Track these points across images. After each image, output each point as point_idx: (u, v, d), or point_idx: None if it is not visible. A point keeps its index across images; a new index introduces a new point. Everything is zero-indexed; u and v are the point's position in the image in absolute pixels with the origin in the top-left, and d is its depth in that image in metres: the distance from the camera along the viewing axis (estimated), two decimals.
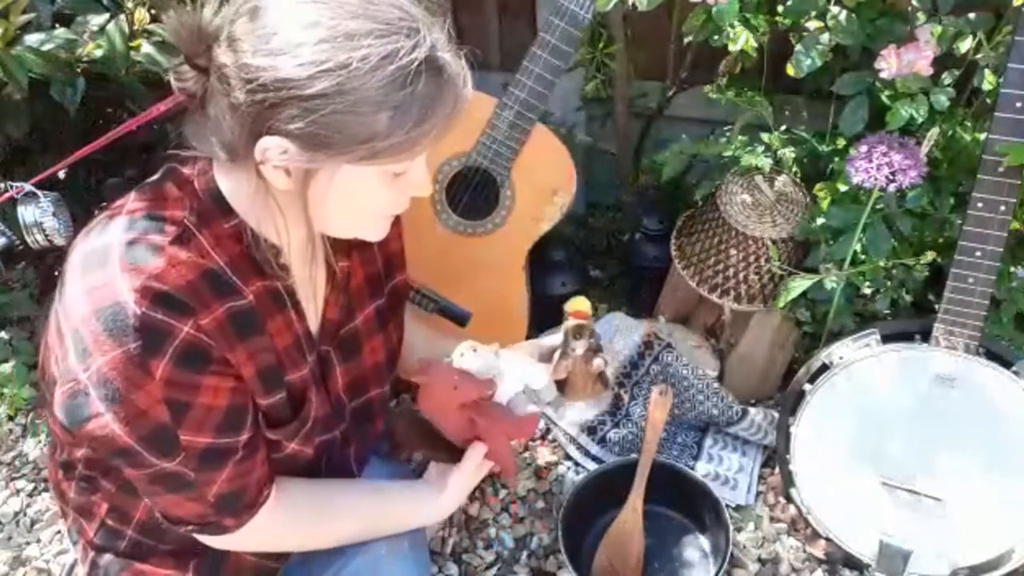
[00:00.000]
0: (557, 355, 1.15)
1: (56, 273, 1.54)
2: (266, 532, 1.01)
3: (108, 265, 0.83)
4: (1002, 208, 1.14)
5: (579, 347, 1.14)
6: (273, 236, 0.92)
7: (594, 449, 1.60)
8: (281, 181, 0.84)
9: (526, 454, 1.62)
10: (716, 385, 1.59)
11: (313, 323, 1.03)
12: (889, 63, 1.28)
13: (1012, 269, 1.40)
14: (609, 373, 1.22)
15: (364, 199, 0.89)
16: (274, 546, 1.07)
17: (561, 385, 1.18)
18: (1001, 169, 1.12)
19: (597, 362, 1.16)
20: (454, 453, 1.14)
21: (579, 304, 1.15)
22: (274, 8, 0.79)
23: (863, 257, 1.42)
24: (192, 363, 0.85)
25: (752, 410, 1.58)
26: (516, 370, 1.13)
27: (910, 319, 1.42)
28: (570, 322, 1.14)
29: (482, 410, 1.10)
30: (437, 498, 1.13)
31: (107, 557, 1.04)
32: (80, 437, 0.91)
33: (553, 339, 1.18)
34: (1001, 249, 1.16)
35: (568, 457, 1.62)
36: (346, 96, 0.77)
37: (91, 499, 1.03)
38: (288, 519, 1.03)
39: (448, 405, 1.09)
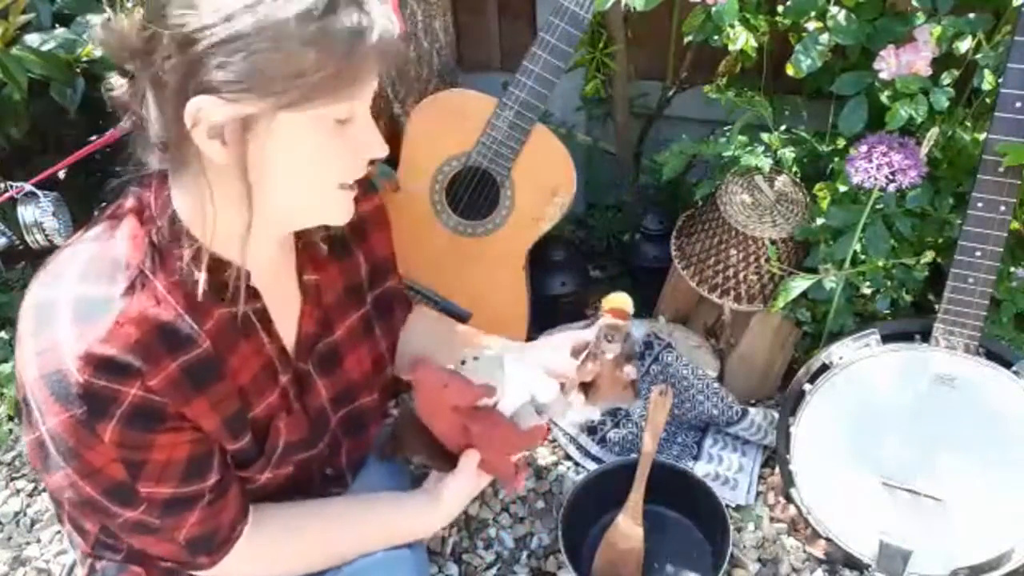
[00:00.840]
0: (584, 354, 1.07)
1: None
2: (244, 566, 0.99)
3: (54, 325, 0.80)
4: (1002, 208, 1.14)
5: (610, 351, 1.06)
6: (236, 256, 0.87)
7: (594, 449, 1.60)
8: (217, 152, 0.79)
9: (525, 454, 1.62)
10: (716, 385, 1.59)
11: (289, 340, 1.00)
12: (889, 63, 1.28)
13: (1012, 269, 1.40)
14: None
15: (311, 158, 0.83)
16: (253, 573, 1.03)
17: (585, 386, 1.11)
18: (1001, 169, 1.12)
19: (628, 370, 1.07)
20: (452, 460, 1.09)
21: (619, 302, 1.06)
22: None
23: (863, 257, 1.42)
24: (143, 423, 0.83)
25: (752, 410, 1.58)
26: (522, 381, 1.07)
27: (910, 319, 1.42)
28: (606, 320, 1.05)
29: (477, 417, 1.04)
30: (429, 511, 1.09)
31: (104, 562, 1.04)
32: (49, 484, 0.90)
33: (569, 334, 1.11)
34: (1001, 249, 1.16)
35: (568, 457, 1.62)
36: (265, 32, 0.74)
37: (83, 515, 1.01)
38: (266, 552, 1.00)
39: (439, 408, 1.04)
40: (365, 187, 1.09)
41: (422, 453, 1.12)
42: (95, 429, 0.81)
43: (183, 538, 0.92)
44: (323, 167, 0.85)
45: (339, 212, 0.90)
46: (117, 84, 0.82)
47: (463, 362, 1.05)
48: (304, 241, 1.01)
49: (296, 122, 0.79)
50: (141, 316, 0.81)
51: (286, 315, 1.00)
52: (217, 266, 0.88)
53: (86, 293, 0.82)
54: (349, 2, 0.77)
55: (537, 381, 1.08)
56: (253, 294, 0.93)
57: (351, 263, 1.09)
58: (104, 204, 1.39)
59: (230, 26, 0.74)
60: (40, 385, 0.81)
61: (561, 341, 1.13)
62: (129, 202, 0.88)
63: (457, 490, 1.09)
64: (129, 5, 1.17)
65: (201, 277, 0.85)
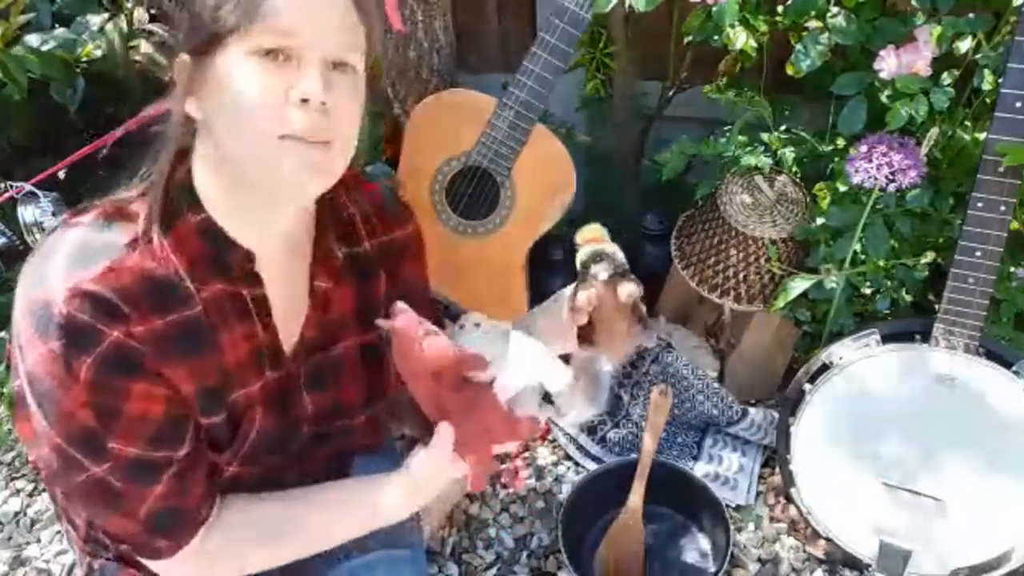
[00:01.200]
0: (573, 288, 0.93)
1: None
2: (204, 563, 0.95)
3: (51, 260, 0.82)
4: (1002, 208, 1.14)
5: (601, 272, 0.91)
6: (247, 238, 0.89)
7: (594, 449, 1.60)
8: (193, 107, 0.84)
9: (526, 454, 1.62)
10: (716, 385, 1.59)
11: (288, 341, 0.98)
12: (888, 63, 1.28)
13: (1012, 269, 1.40)
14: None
15: (242, 95, 0.80)
16: (233, 570, 0.98)
17: (588, 335, 0.95)
18: (1001, 169, 1.12)
19: (627, 288, 0.91)
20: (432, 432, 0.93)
21: (591, 231, 0.96)
22: None
23: (863, 257, 1.42)
24: (119, 368, 0.82)
25: (752, 410, 1.58)
26: (529, 362, 0.91)
27: (910, 319, 1.42)
28: (586, 249, 0.94)
29: (462, 391, 0.89)
30: (403, 482, 0.98)
31: (100, 560, 1.04)
32: (22, 434, 0.89)
33: (563, 294, 0.96)
34: (1001, 249, 1.16)
35: (568, 457, 1.62)
36: None
37: (70, 508, 1.01)
38: (231, 543, 0.96)
39: (416, 369, 0.90)
40: (400, 211, 1.07)
41: (406, 422, 0.99)
42: (71, 366, 0.80)
43: (144, 512, 0.88)
44: (261, 108, 0.81)
45: (289, 166, 0.82)
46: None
47: (461, 326, 0.92)
48: (323, 249, 1.00)
49: (234, 60, 0.80)
50: (137, 267, 0.83)
51: (291, 316, 0.98)
52: (224, 242, 0.88)
53: (89, 240, 0.83)
54: None
55: (549, 366, 0.92)
56: (256, 280, 0.92)
57: (369, 286, 1.05)
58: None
59: None
60: (25, 317, 0.81)
61: (545, 317, 1.03)
62: (146, 168, 0.90)
63: (428, 464, 0.96)
64: (128, 5, 1.17)
65: (213, 241, 0.87)
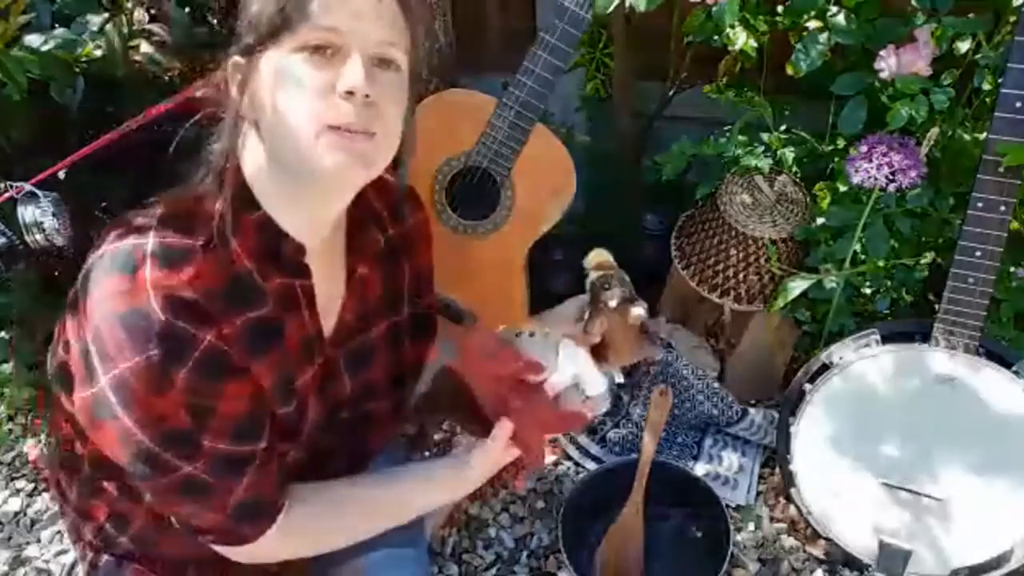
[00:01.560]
0: (586, 316, 1.05)
1: (56, 273, 1.54)
2: (285, 540, 0.99)
3: (135, 268, 0.83)
4: (1002, 208, 1.14)
5: (612, 298, 1.02)
6: (295, 230, 0.92)
7: (594, 449, 1.60)
8: (243, 103, 0.87)
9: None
10: (716, 385, 1.59)
11: (327, 327, 1.02)
12: (889, 63, 1.28)
13: (1012, 269, 1.40)
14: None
15: (295, 89, 0.84)
16: (293, 553, 1.04)
17: (600, 352, 1.07)
18: (1001, 169, 1.12)
19: (636, 312, 1.03)
20: (483, 425, 1.07)
21: (599, 257, 1.07)
22: None
23: (863, 257, 1.42)
24: (214, 371, 0.85)
25: (752, 410, 1.58)
26: (571, 368, 1.05)
27: (910, 319, 1.42)
28: (594, 275, 1.05)
29: (521, 390, 1.03)
30: (459, 477, 1.09)
31: (106, 557, 1.04)
32: (99, 439, 0.90)
33: (576, 301, 1.09)
34: (1001, 249, 1.16)
35: (568, 457, 1.62)
36: None
37: (91, 502, 1.02)
38: (305, 524, 1.01)
39: (484, 372, 1.04)
40: (414, 200, 1.15)
41: (456, 414, 1.12)
42: (168, 372, 0.82)
43: (233, 503, 0.92)
44: (306, 99, 0.84)
45: (335, 157, 0.85)
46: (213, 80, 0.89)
47: (518, 334, 1.05)
48: (362, 237, 1.03)
49: (282, 59, 0.84)
50: (218, 269, 0.85)
51: (330, 303, 1.02)
52: (277, 235, 0.91)
53: (170, 242, 0.85)
54: None
55: (588, 373, 1.06)
56: (306, 271, 0.96)
57: (395, 270, 1.11)
58: (104, 203, 1.39)
59: None
60: (114, 325, 0.81)
61: (556, 326, 1.12)
62: (199, 171, 0.91)
63: (488, 457, 1.08)
64: (128, 5, 1.17)
65: (271, 236, 0.90)
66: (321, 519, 1.03)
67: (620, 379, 1.51)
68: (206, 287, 0.84)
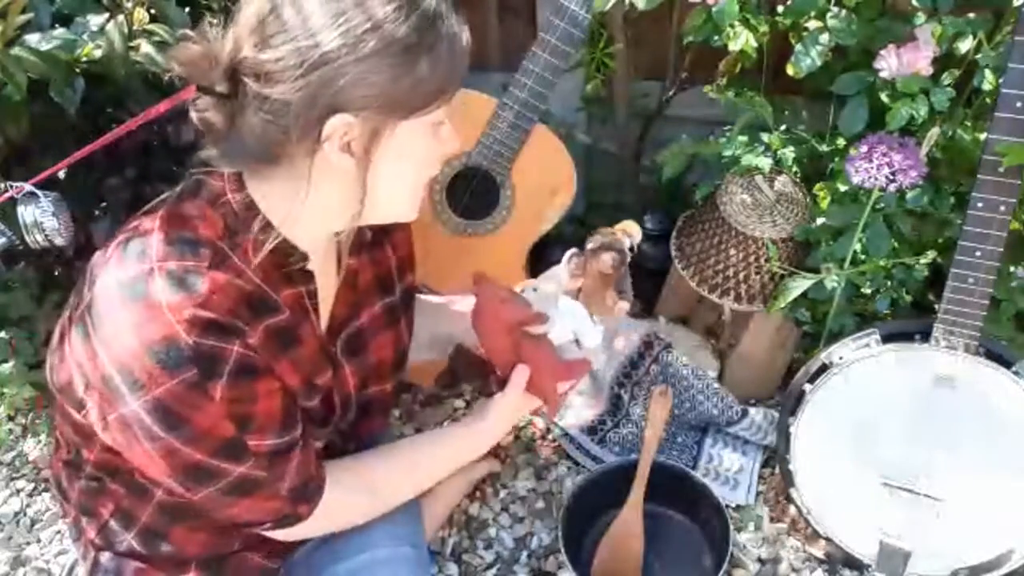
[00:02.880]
0: (571, 254, 1.16)
1: (56, 273, 1.54)
2: (335, 508, 1.04)
3: (151, 297, 0.83)
4: (1002, 208, 1.14)
5: (602, 265, 1.12)
6: (302, 242, 0.94)
7: (594, 449, 1.60)
8: (346, 162, 0.85)
9: (527, 454, 1.62)
10: (716, 385, 1.59)
11: (324, 322, 1.04)
12: (889, 63, 1.28)
13: (1012, 269, 1.40)
14: (626, 287, 1.20)
15: (421, 160, 0.92)
16: (346, 521, 1.09)
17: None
18: (1001, 169, 1.12)
19: (605, 258, 1.13)
20: (501, 385, 1.14)
21: (630, 225, 1.19)
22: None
23: (863, 257, 1.42)
24: (246, 377, 0.87)
25: (752, 410, 1.58)
26: (570, 322, 1.14)
27: (910, 319, 1.42)
28: (606, 234, 1.17)
29: (529, 340, 1.11)
30: (482, 424, 1.15)
31: (107, 555, 1.04)
32: (137, 459, 0.92)
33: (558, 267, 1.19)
34: (1001, 249, 1.16)
35: (568, 457, 1.62)
36: (389, 48, 0.80)
37: (97, 500, 1.03)
38: (348, 489, 1.05)
39: (494, 324, 1.10)
40: None
41: (476, 380, 1.24)
42: (207, 389, 0.84)
43: (287, 488, 0.96)
44: (424, 167, 0.93)
45: (415, 209, 0.97)
46: (208, 104, 0.86)
47: (522, 290, 1.13)
48: (350, 230, 1.04)
49: (412, 129, 0.86)
50: (229, 284, 0.86)
51: (325, 298, 1.04)
52: (287, 250, 0.93)
53: (176, 267, 0.85)
54: (441, 11, 0.84)
55: (585, 326, 1.14)
56: (310, 277, 0.98)
57: (382, 254, 1.14)
58: (104, 203, 1.39)
59: (358, 48, 0.79)
60: (142, 356, 0.82)
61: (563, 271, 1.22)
62: (195, 191, 0.92)
63: (508, 404, 1.14)
64: (129, 5, 1.17)
65: (279, 253, 0.92)
66: (353, 492, 1.07)
67: (611, 371, 1.61)
68: (221, 303, 0.85)
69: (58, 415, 1.01)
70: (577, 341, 1.15)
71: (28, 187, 1.13)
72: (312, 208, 0.90)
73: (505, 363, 1.13)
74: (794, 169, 1.57)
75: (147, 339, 0.82)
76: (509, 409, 1.15)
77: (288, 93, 0.80)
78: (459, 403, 1.72)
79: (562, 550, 1.33)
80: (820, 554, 1.43)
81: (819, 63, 1.33)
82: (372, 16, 0.79)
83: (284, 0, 0.81)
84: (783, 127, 1.60)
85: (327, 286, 1.04)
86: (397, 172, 0.90)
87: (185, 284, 0.84)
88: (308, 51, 0.79)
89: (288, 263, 0.94)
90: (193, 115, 0.87)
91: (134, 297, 0.84)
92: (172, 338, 0.82)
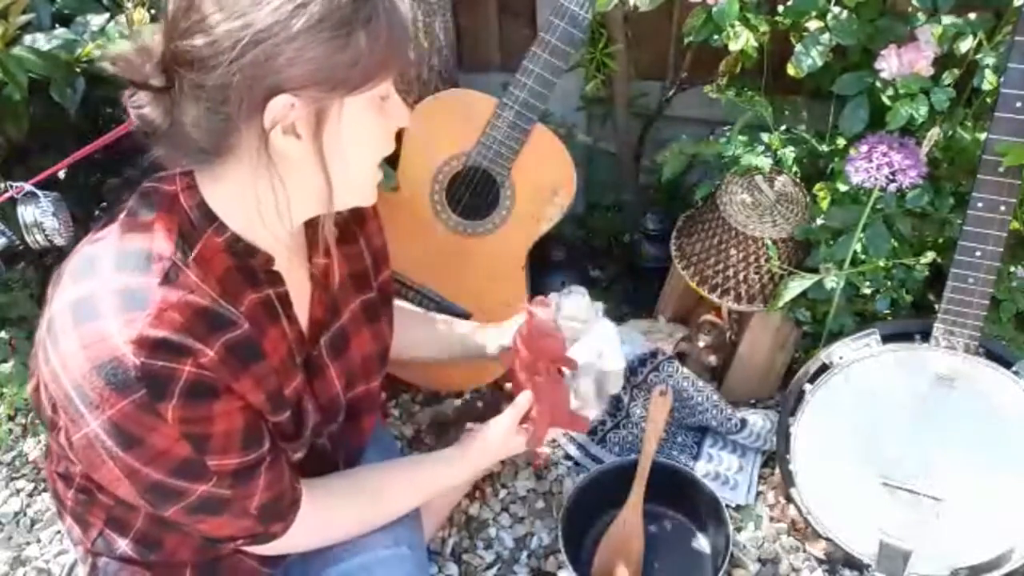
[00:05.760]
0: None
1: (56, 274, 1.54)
2: (311, 526, 1.02)
3: (100, 317, 0.82)
4: (1002, 208, 1.14)
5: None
6: (263, 241, 0.92)
7: (594, 449, 1.60)
8: (294, 148, 0.83)
9: (527, 454, 1.62)
10: (716, 397, 1.59)
11: (302, 325, 1.02)
12: (889, 63, 1.28)
13: (1012, 269, 1.40)
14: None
15: (370, 137, 0.89)
16: (316, 542, 1.07)
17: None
18: (1001, 169, 1.12)
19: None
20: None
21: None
22: None
23: (863, 257, 1.42)
24: (201, 397, 0.85)
25: (751, 418, 1.58)
26: (596, 341, 1.17)
27: (910, 319, 1.42)
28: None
29: (551, 374, 1.16)
30: (466, 448, 1.18)
31: (104, 559, 1.04)
32: (102, 477, 0.91)
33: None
34: (1001, 249, 1.16)
35: (568, 457, 1.62)
36: (324, 23, 0.78)
37: (90, 510, 1.02)
38: (323, 514, 1.04)
39: (534, 347, 1.15)
40: None
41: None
42: (157, 410, 0.82)
43: (255, 507, 0.94)
44: (377, 145, 0.91)
45: (373, 191, 0.95)
46: (145, 100, 0.84)
47: (569, 291, 1.18)
48: (313, 227, 1.02)
49: (357, 105, 0.84)
50: (181, 302, 0.84)
51: (300, 300, 1.02)
52: (247, 252, 0.91)
53: (126, 284, 0.83)
54: None
55: (612, 349, 1.18)
56: (277, 279, 0.96)
57: (354, 249, 1.12)
58: (104, 203, 1.39)
59: (291, 24, 0.77)
60: (92, 377, 0.81)
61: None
62: (148, 198, 0.90)
63: (498, 427, 1.18)
64: (130, 5, 1.17)
65: (238, 255, 0.90)
66: (337, 508, 1.06)
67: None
68: (176, 321, 0.82)
69: (45, 427, 1.01)
70: (599, 363, 1.18)
71: (28, 187, 1.13)
72: (267, 204, 0.87)
73: (520, 381, 1.19)
74: (794, 169, 1.57)
75: (96, 360, 0.81)
76: (503, 429, 1.18)
77: (225, 77, 0.78)
78: (458, 402, 1.73)
79: (562, 550, 1.33)
80: (820, 554, 1.44)
81: (819, 63, 1.33)
82: None
83: None
84: (783, 127, 1.60)
85: (299, 287, 1.02)
86: (350, 154, 0.87)
87: (133, 302, 0.82)
88: (240, 31, 0.76)
89: (250, 265, 0.91)
90: (131, 112, 0.84)
91: (83, 319, 0.82)
92: (119, 359, 0.80)
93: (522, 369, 1.17)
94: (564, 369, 1.17)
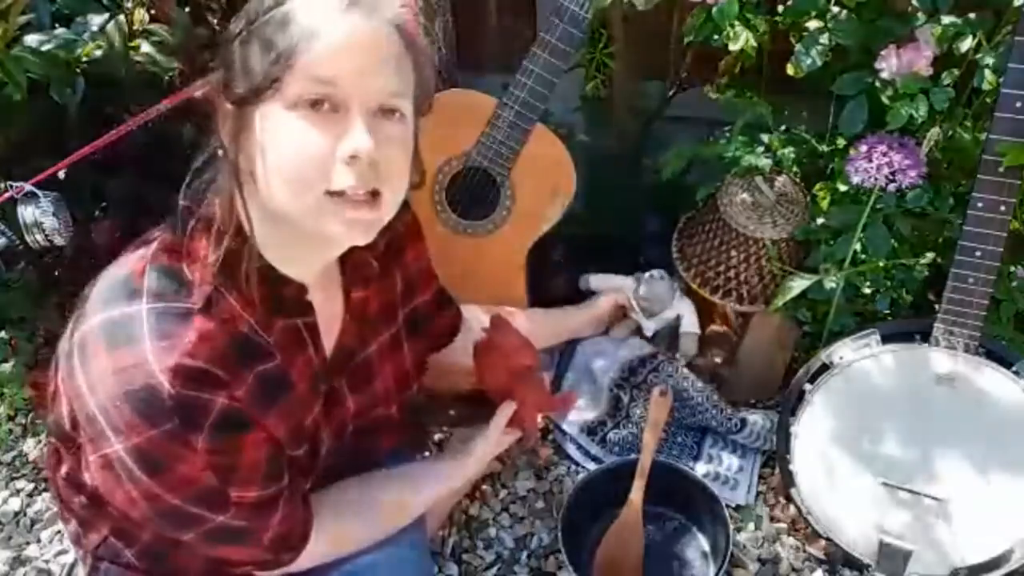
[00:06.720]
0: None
1: (56, 273, 1.54)
2: (320, 553, 1.02)
3: (135, 342, 0.79)
4: (1002, 208, 1.14)
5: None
6: (293, 271, 0.90)
7: (594, 449, 1.60)
8: (241, 156, 0.83)
9: (527, 455, 1.62)
10: (716, 397, 1.58)
11: (328, 352, 1.01)
12: (889, 63, 1.28)
13: (1012, 269, 1.39)
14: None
15: (294, 151, 0.78)
16: (319, 559, 1.05)
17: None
18: (1001, 169, 1.12)
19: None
20: (488, 411, 1.25)
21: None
22: None
23: (863, 257, 1.42)
24: (230, 430, 0.84)
25: (751, 419, 1.57)
26: (676, 311, 1.59)
27: (910, 319, 1.42)
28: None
29: (524, 378, 1.23)
30: (460, 463, 1.21)
31: (106, 564, 1.04)
32: (118, 500, 0.90)
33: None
34: (1001, 249, 1.16)
35: (568, 457, 1.61)
36: (237, 26, 0.80)
37: (97, 517, 1.01)
38: (328, 535, 1.03)
39: (502, 364, 1.21)
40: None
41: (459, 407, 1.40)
42: (187, 440, 0.81)
43: (268, 539, 0.93)
44: (307, 161, 0.79)
45: (336, 226, 0.82)
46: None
47: (650, 276, 1.56)
48: (355, 260, 1.01)
49: (274, 115, 0.78)
50: (220, 329, 0.82)
51: (329, 330, 1.01)
52: (279, 280, 0.89)
53: (165, 309, 0.81)
54: None
55: (688, 317, 1.61)
56: (308, 309, 0.94)
57: (388, 282, 1.10)
58: (104, 204, 1.38)
59: (231, 28, 0.80)
60: (121, 402, 0.79)
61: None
62: (192, 222, 0.87)
63: (488, 444, 1.22)
64: (128, 5, 1.17)
65: (272, 283, 0.89)
66: (345, 532, 1.05)
67: (610, 372, 1.69)
68: (209, 352, 0.81)
69: (50, 430, 1.00)
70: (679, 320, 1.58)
71: (28, 187, 1.13)
72: (286, 237, 0.87)
73: (499, 395, 1.25)
74: (794, 169, 1.57)
75: (128, 387, 0.79)
76: (491, 448, 1.24)
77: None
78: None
79: (562, 550, 1.33)
80: (820, 554, 1.43)
81: (819, 63, 1.33)
82: None
83: None
84: (783, 127, 1.60)
85: (330, 315, 1.00)
86: (274, 164, 0.80)
87: (172, 330, 0.80)
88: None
89: (281, 294, 0.89)
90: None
91: (119, 342, 0.80)
92: (154, 388, 0.78)
93: (494, 385, 1.25)
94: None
